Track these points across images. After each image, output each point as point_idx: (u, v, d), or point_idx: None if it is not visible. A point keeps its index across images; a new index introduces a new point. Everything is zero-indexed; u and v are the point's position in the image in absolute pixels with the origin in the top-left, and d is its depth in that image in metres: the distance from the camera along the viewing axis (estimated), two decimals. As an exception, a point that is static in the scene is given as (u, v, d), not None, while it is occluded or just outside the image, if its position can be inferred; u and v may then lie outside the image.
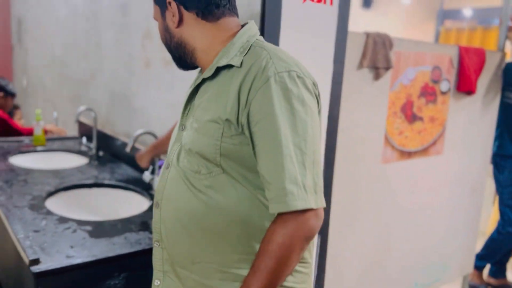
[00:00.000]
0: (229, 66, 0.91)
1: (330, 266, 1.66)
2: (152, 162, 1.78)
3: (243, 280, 0.85)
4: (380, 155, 1.81)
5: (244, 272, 0.91)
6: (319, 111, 0.93)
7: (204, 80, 0.96)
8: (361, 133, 1.72)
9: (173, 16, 0.96)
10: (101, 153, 2.36)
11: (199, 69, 1.04)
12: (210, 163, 0.90)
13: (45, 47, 3.57)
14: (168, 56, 1.15)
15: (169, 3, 0.95)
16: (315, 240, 1.54)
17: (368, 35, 1.64)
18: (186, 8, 0.94)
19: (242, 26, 0.97)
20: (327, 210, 1.55)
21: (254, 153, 0.86)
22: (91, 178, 1.96)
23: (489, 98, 2.22)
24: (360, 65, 1.64)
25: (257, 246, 0.89)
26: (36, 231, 1.36)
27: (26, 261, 1.17)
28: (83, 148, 2.49)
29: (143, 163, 1.67)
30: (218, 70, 0.93)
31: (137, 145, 2.02)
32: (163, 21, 1.00)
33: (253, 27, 0.98)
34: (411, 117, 1.88)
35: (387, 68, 1.70)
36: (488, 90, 2.20)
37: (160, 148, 1.62)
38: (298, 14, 1.31)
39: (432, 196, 2.07)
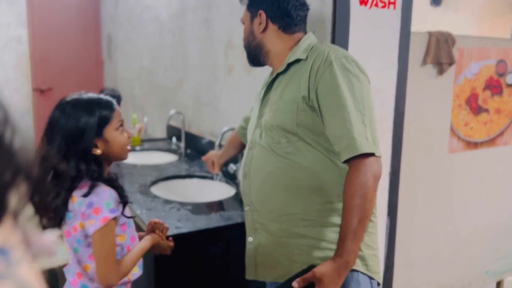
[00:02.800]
0: (297, 61, 1.20)
1: (399, 248, 1.81)
2: (236, 156, 2.04)
3: (341, 223, 1.07)
4: (447, 145, 1.93)
5: (322, 219, 1.16)
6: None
7: (277, 76, 1.24)
8: (428, 125, 1.86)
9: (260, 24, 1.26)
10: (189, 151, 2.69)
11: (269, 72, 1.36)
12: (289, 133, 1.16)
13: (133, 60, 4.02)
14: (247, 62, 1.41)
15: (260, 14, 1.25)
16: (385, 221, 1.71)
17: (430, 34, 1.78)
18: (272, 21, 1.25)
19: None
20: (395, 194, 1.71)
21: (323, 120, 1.12)
22: (184, 171, 2.27)
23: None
24: (424, 62, 1.78)
25: (330, 197, 1.16)
26: (149, 209, 1.67)
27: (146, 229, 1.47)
28: (173, 147, 2.83)
29: (215, 170, 1.79)
30: (289, 66, 1.21)
31: (223, 141, 2.30)
32: (250, 25, 1.29)
33: (313, 36, 1.28)
34: (476, 109, 1.97)
35: (450, 63, 1.83)
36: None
37: (225, 156, 1.77)
38: (365, 19, 1.50)
39: (501, 185, 2.13)
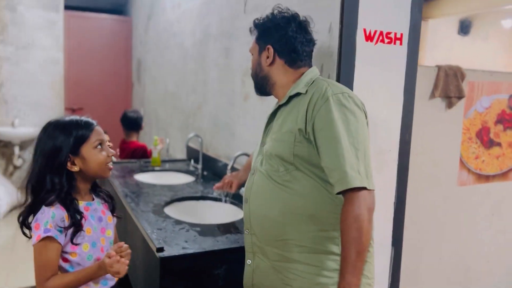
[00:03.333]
0: (298, 94, 1.28)
1: (404, 279, 1.81)
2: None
3: (341, 256, 1.12)
4: (456, 177, 1.94)
5: (317, 246, 1.21)
6: (367, 123, 1.24)
7: (279, 107, 1.33)
8: (436, 157, 1.87)
9: (268, 57, 1.34)
10: (205, 173, 2.77)
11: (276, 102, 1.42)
12: (286, 162, 1.24)
13: (159, 84, 4.20)
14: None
15: (268, 48, 1.34)
16: (390, 251, 1.72)
17: (439, 68, 1.82)
18: (279, 55, 1.34)
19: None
20: (400, 224, 1.73)
21: (318, 153, 1.18)
22: (198, 192, 2.34)
23: None
24: (432, 95, 1.82)
25: (325, 225, 1.21)
26: (159, 229, 1.74)
27: (154, 249, 1.54)
28: (191, 168, 2.92)
29: (233, 190, 1.85)
30: (290, 98, 1.30)
31: (236, 166, 2.37)
32: (258, 57, 1.38)
33: (315, 70, 1.36)
34: (488, 143, 1.98)
35: (460, 97, 1.85)
36: None
37: (244, 178, 1.82)
38: (370, 54, 1.56)
39: (514, 220, 2.11)
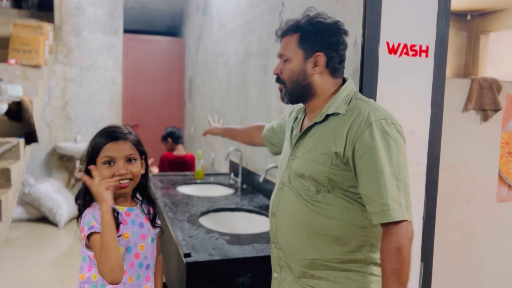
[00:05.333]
0: (336, 114, 1.23)
1: (438, 297, 1.75)
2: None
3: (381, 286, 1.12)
4: (494, 193, 1.85)
5: (342, 265, 1.21)
6: None
7: (314, 124, 1.27)
8: (471, 172, 1.81)
9: (316, 66, 1.25)
10: (245, 186, 2.84)
11: (296, 109, 1.45)
12: (319, 183, 1.21)
13: (207, 101, 4.37)
14: (296, 106, 1.53)
15: (318, 56, 1.23)
16: (419, 266, 1.68)
17: (473, 80, 1.77)
18: (327, 65, 1.25)
19: (343, 81, 1.31)
20: (430, 239, 1.68)
21: (357, 178, 1.16)
22: (234, 204, 2.42)
23: None
24: (465, 108, 1.77)
25: (351, 247, 1.20)
26: (190, 237, 1.83)
27: (182, 254, 1.62)
28: (231, 182, 3.01)
29: (212, 131, 2.18)
30: (326, 116, 1.24)
31: (268, 177, 2.42)
32: (302, 63, 1.25)
33: (352, 84, 1.30)
34: (530, 157, 1.88)
35: (496, 110, 1.79)
36: None
37: (231, 135, 2.07)
38: (394, 67, 1.57)
39: None
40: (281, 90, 1.33)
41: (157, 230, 1.45)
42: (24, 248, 3.87)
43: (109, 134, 1.32)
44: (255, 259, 1.64)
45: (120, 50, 5.27)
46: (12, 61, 3.98)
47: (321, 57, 1.24)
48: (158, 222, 1.45)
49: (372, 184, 1.11)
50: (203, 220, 2.15)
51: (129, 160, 1.32)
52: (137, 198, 1.45)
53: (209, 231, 1.92)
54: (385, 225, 1.11)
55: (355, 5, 1.71)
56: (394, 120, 1.18)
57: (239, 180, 2.86)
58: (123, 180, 1.31)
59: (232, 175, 3.09)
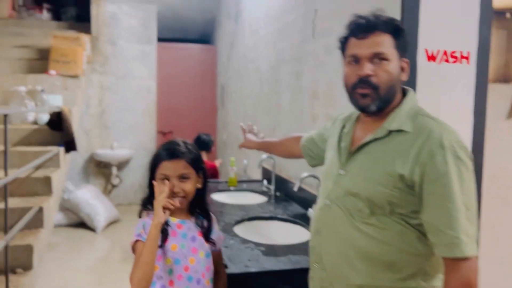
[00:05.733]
0: (400, 130, 1.11)
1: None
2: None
3: None
4: (543, 203, 1.76)
5: None
6: None
7: (374, 139, 1.15)
8: (517, 181, 1.73)
9: (404, 70, 1.17)
10: (278, 193, 2.83)
11: (341, 118, 1.35)
12: (376, 206, 1.11)
13: (239, 107, 4.39)
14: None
15: (404, 61, 1.16)
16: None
17: (517, 85, 1.70)
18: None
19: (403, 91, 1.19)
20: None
21: (422, 204, 1.06)
22: (268, 213, 2.41)
23: None
24: (510, 115, 1.69)
25: (404, 274, 1.11)
26: (226, 247, 1.83)
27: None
28: (264, 189, 3.00)
29: (247, 146, 2.03)
30: (389, 132, 1.12)
31: (304, 186, 2.40)
32: (398, 67, 1.14)
33: (414, 96, 1.19)
34: None
35: (543, 115, 1.70)
36: None
37: (268, 149, 1.94)
38: (434, 74, 1.52)
39: None
40: (365, 95, 1.13)
41: (214, 246, 1.45)
42: (64, 252, 4.00)
43: (166, 152, 1.36)
44: (291, 272, 1.62)
45: (154, 59, 5.38)
46: (53, 72, 4.14)
47: (406, 64, 1.17)
48: (213, 237, 1.45)
49: (442, 213, 1.03)
50: (238, 229, 2.14)
51: (183, 177, 1.35)
52: (196, 211, 1.46)
53: (244, 241, 1.91)
54: (452, 259, 1.02)
55: (391, 12, 1.67)
56: (463, 142, 1.09)
57: (272, 187, 2.85)
58: (175, 197, 1.35)
59: (265, 182, 3.08)
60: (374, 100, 1.12)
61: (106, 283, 3.38)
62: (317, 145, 1.55)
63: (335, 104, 2.14)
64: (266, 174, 3.22)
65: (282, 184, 2.86)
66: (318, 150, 1.53)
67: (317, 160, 1.57)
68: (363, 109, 1.16)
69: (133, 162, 5.46)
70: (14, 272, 2.39)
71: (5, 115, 2.30)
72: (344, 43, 1.20)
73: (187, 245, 1.37)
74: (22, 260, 2.43)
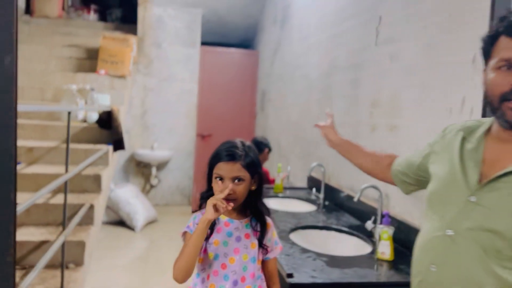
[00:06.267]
0: None
1: None
2: (375, 213, 2.07)
3: None
4: None
5: None
6: None
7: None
8: None
9: None
10: (327, 202, 2.78)
11: (458, 128, 1.12)
12: None
13: (282, 113, 4.36)
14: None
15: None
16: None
17: None
18: None
19: None
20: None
21: None
22: (321, 222, 2.36)
23: None
24: None
25: None
26: (287, 255, 1.79)
27: (284, 274, 1.59)
28: (312, 197, 2.96)
29: (331, 137, 1.62)
30: None
31: (362, 198, 2.34)
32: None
33: None
34: None
35: None
36: None
37: (349, 152, 1.57)
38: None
39: None
40: None
41: (265, 252, 1.42)
42: (104, 250, 4.05)
43: (224, 153, 1.37)
44: (358, 285, 1.57)
45: (197, 62, 5.43)
46: (102, 71, 4.22)
47: None
48: (267, 243, 1.42)
49: None
50: (294, 237, 2.11)
51: (237, 179, 1.35)
52: (248, 213, 1.45)
53: (304, 250, 1.87)
54: None
55: (471, 20, 1.61)
56: None
57: (321, 196, 2.80)
58: (228, 198, 1.33)
59: (314, 190, 3.03)
60: None
61: (146, 283, 3.39)
62: (419, 171, 1.27)
63: (400, 115, 2.08)
64: (312, 181, 3.17)
65: (331, 193, 2.81)
66: (419, 176, 1.27)
67: (416, 186, 1.32)
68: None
69: (172, 163, 5.51)
70: (66, 267, 2.42)
71: (69, 113, 2.34)
72: (490, 44, 1.00)
73: (231, 243, 1.37)
74: (74, 256, 2.46)
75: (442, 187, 1.08)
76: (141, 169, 5.39)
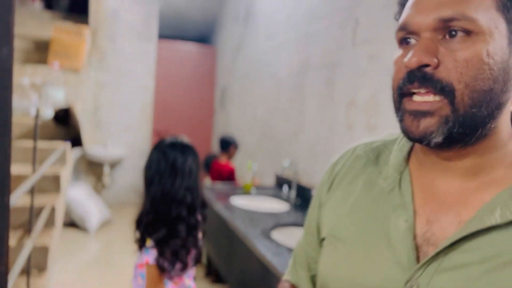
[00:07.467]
0: None
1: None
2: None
3: None
4: None
5: None
6: None
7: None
8: None
9: None
10: (299, 201, 2.79)
11: (359, 152, 0.73)
12: None
13: (247, 110, 4.34)
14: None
15: None
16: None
17: None
18: None
19: None
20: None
21: None
22: (299, 219, 2.37)
23: None
24: None
25: None
26: (276, 255, 1.77)
27: (277, 274, 1.57)
28: (283, 196, 2.96)
29: None
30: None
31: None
32: (506, 47, 0.52)
33: None
34: None
35: None
36: None
37: None
38: None
39: None
40: (426, 114, 0.53)
41: None
42: (57, 254, 3.80)
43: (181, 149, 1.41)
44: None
45: (153, 57, 5.25)
46: (56, 64, 3.96)
47: None
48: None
49: None
50: (276, 235, 2.09)
51: None
52: None
53: (291, 250, 1.87)
54: None
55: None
56: None
57: (293, 194, 2.81)
58: None
59: (283, 188, 3.04)
60: (446, 120, 0.53)
61: (101, 285, 3.23)
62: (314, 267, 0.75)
63: (379, 114, 2.13)
64: (281, 179, 3.18)
65: (302, 191, 2.83)
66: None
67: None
68: (421, 140, 0.56)
69: (126, 161, 5.29)
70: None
71: (38, 110, 2.16)
72: (402, 5, 0.60)
73: None
74: (37, 261, 2.28)
75: (352, 270, 0.61)
76: (92, 168, 5.13)
